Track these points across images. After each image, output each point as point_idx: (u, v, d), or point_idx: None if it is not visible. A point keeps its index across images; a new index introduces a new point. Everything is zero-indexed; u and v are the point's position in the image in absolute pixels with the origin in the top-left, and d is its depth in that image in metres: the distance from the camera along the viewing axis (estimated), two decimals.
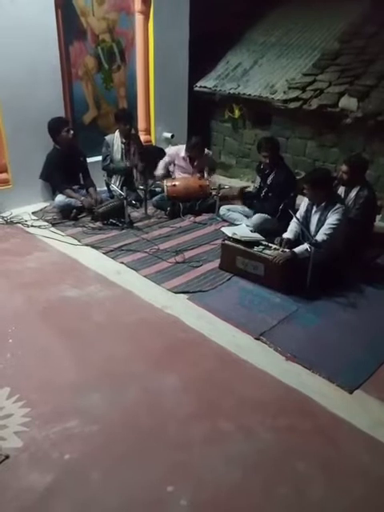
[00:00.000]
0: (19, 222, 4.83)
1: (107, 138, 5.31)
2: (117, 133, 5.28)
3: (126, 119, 5.22)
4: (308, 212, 3.88)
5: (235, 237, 3.86)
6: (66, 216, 4.90)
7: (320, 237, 3.61)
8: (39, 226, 4.73)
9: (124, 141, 5.26)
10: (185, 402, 2.59)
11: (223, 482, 2.15)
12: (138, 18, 5.74)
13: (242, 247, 3.79)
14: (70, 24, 5.19)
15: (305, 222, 3.86)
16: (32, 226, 4.75)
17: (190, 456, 2.28)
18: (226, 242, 3.90)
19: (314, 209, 3.83)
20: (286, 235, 3.88)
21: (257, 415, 2.51)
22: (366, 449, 2.34)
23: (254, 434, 2.39)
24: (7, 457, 2.22)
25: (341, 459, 2.28)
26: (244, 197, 5.05)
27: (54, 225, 4.79)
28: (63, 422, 2.42)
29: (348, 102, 5.18)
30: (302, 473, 2.20)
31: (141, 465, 2.22)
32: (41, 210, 5.13)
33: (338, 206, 3.68)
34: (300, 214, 3.91)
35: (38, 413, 2.47)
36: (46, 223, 4.82)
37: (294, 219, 3.84)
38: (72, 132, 4.89)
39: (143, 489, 2.12)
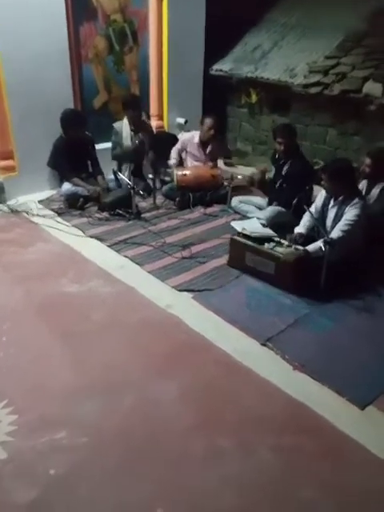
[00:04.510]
0: (24, 211, 4.68)
1: (115, 125, 5.07)
2: (125, 119, 5.04)
3: (134, 105, 4.99)
4: (325, 206, 3.64)
5: (245, 232, 3.64)
6: (73, 205, 4.74)
7: (335, 233, 3.37)
8: (44, 216, 4.58)
9: (133, 128, 5.03)
10: (182, 414, 2.42)
11: (218, 507, 1.99)
12: None
13: (251, 244, 3.56)
14: (79, 3, 4.96)
15: (321, 216, 3.62)
16: (37, 215, 4.61)
17: (184, 475, 2.11)
18: (235, 237, 3.68)
19: (332, 202, 3.58)
20: (298, 230, 3.67)
21: (259, 431, 2.32)
22: (378, 474, 2.13)
23: (255, 453, 2.21)
24: None
25: (349, 485, 2.09)
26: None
27: (59, 214, 4.64)
28: (51, 432, 2.28)
29: (372, 88, 4.84)
30: (306, 499, 2.02)
31: (130, 483, 2.07)
32: (47, 198, 4.98)
33: (356, 200, 3.43)
34: (316, 207, 3.69)
35: (25, 420, 2.34)
36: (51, 212, 4.68)
37: (308, 212, 3.61)
38: (78, 133, 4.76)
39: (132, 510, 1.97)
